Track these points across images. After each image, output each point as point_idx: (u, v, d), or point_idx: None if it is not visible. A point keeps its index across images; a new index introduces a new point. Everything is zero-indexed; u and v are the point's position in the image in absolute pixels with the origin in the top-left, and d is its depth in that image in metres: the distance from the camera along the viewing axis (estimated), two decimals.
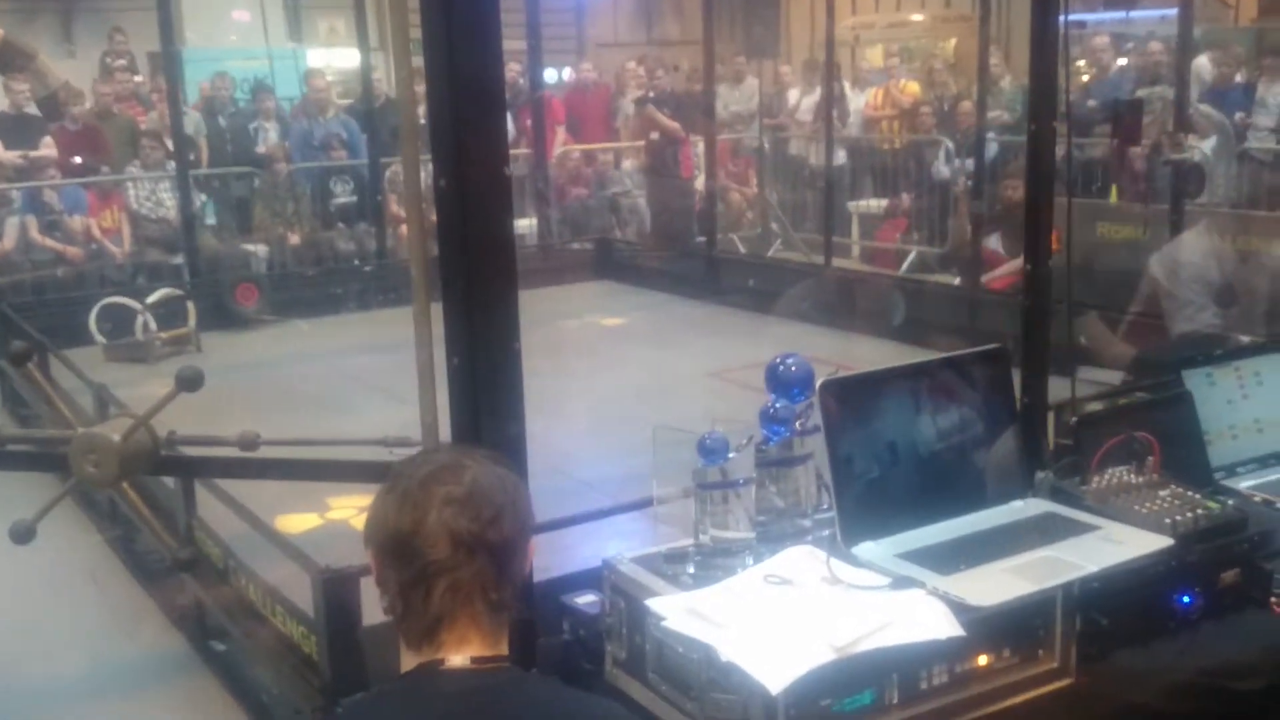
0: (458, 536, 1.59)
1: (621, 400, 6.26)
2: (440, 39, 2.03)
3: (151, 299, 8.13)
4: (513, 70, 11.18)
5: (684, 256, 10.10)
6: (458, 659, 1.60)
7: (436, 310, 2.17)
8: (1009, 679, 2.05)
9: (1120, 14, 10.88)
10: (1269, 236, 5.60)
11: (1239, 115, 8.21)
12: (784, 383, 2.25)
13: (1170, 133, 5.83)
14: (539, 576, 2.33)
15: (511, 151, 10.78)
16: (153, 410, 2.32)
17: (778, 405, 2.24)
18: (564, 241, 10.78)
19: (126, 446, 2.30)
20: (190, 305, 8.26)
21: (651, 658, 2.03)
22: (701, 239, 10.11)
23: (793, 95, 11.84)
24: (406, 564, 1.60)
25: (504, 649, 1.66)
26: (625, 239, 11.06)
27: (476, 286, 2.11)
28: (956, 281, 8.59)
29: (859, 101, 11.71)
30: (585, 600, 2.30)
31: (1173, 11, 7.46)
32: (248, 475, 2.84)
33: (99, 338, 7.98)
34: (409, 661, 1.63)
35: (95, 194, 9.35)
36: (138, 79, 11.59)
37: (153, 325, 7.99)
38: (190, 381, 2.25)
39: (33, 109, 9.74)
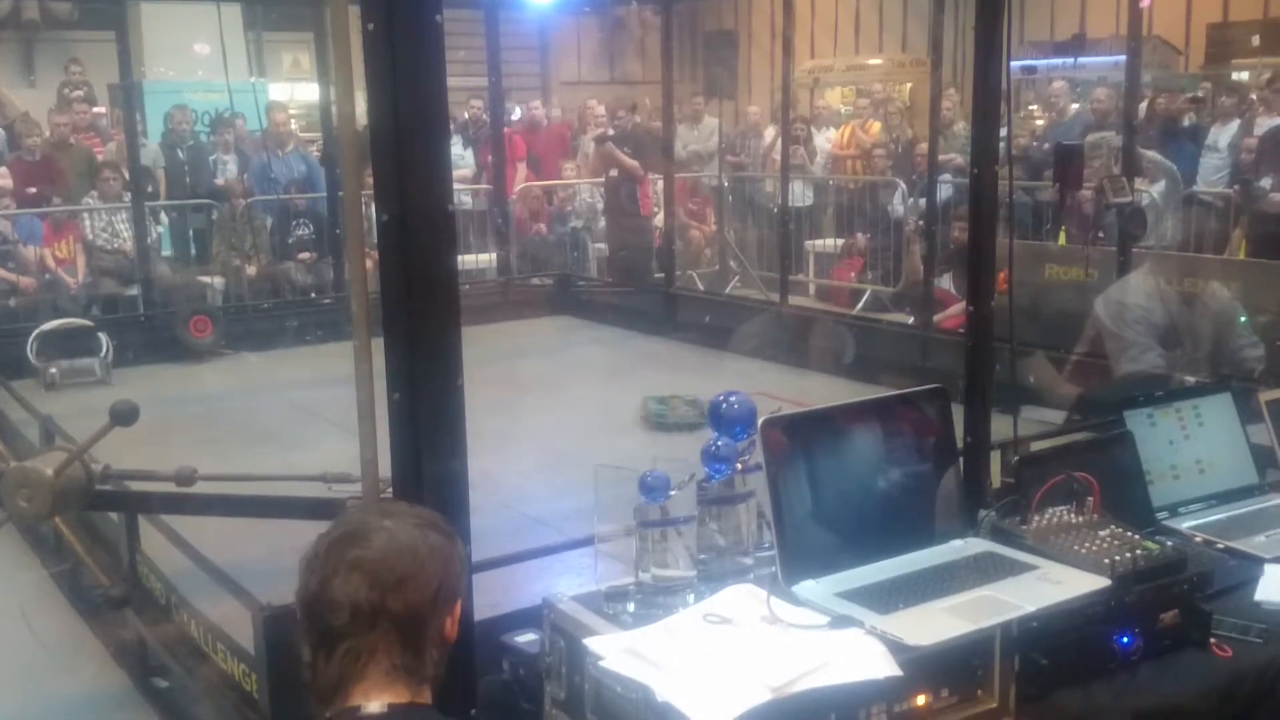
0: (357, 606, 1.60)
1: (576, 435, 6.23)
2: (383, 71, 2.02)
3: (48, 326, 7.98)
4: (475, 107, 11.24)
5: (642, 293, 10.12)
6: (374, 705, 1.60)
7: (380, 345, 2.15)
8: (948, 719, 2.05)
9: (1069, 60, 11.06)
10: (1213, 278, 5.70)
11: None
12: (726, 420, 2.26)
13: (1112, 177, 5.93)
14: (480, 615, 2.31)
15: (473, 186, 10.87)
16: (87, 444, 2.28)
17: (720, 443, 2.24)
18: (524, 277, 10.79)
19: (59, 481, 2.26)
20: (102, 336, 8.09)
21: (590, 698, 2.01)
22: (660, 276, 10.15)
23: (769, 134, 11.88)
24: (314, 625, 1.63)
25: (424, 700, 1.66)
26: (584, 275, 11.08)
27: (418, 322, 2.09)
28: (910, 320, 8.67)
29: (821, 140, 11.81)
30: (525, 639, 2.28)
31: (1124, 58, 7.58)
32: (184, 511, 2.80)
33: (38, 366, 7.83)
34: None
35: (50, 224, 9.24)
36: (97, 110, 11.49)
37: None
38: (125, 415, 2.21)
39: None
